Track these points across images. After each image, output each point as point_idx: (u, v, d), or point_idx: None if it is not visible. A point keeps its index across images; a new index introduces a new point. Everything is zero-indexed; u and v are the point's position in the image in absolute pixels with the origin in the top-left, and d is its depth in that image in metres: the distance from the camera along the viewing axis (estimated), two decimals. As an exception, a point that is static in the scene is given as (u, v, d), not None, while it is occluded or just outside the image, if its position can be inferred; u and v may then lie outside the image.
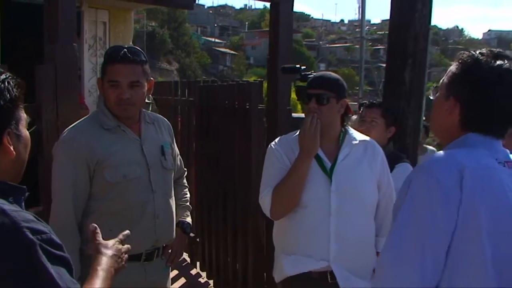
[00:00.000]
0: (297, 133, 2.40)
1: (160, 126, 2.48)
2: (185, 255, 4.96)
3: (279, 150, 2.40)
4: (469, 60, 1.53)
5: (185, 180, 2.75)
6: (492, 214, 1.37)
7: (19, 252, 1.18)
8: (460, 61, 1.57)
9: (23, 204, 1.37)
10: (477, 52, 1.54)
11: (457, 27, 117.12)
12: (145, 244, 2.33)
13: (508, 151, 1.54)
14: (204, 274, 4.81)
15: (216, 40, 65.82)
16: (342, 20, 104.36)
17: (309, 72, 2.61)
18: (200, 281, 4.74)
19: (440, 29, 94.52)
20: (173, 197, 2.49)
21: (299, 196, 2.27)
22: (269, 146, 2.47)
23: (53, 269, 1.19)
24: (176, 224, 2.51)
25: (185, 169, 2.78)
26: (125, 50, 2.22)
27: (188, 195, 2.73)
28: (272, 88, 3.48)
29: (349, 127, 2.47)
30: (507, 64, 1.49)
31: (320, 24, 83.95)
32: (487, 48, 1.57)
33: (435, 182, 1.38)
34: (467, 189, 1.36)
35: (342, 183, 2.30)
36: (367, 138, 2.47)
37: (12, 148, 1.31)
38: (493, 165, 1.45)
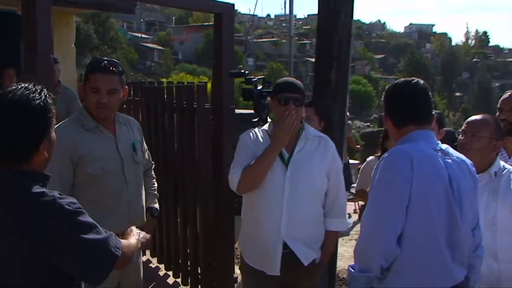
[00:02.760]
0: (262, 128, 2.92)
1: (131, 126, 2.92)
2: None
3: (248, 139, 2.90)
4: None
5: (153, 172, 3.19)
6: (433, 185, 2.10)
7: (64, 218, 1.61)
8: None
9: (47, 187, 1.79)
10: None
11: (380, 21, 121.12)
12: (121, 226, 2.74)
13: (439, 142, 2.30)
14: (154, 260, 5.18)
15: (143, 36, 64.85)
16: (268, 15, 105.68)
17: (253, 77, 3.12)
18: (151, 266, 5.10)
19: (364, 23, 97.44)
20: (143, 186, 2.93)
21: (262, 178, 2.78)
22: (240, 136, 2.96)
23: (93, 231, 1.67)
24: (146, 209, 2.95)
25: (153, 162, 3.22)
26: (106, 62, 2.65)
27: (156, 184, 3.18)
28: (217, 89, 3.92)
29: (306, 124, 2.98)
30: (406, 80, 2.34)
31: (247, 19, 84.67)
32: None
33: (396, 167, 2.11)
34: (416, 170, 2.07)
35: (295, 171, 2.81)
36: (321, 134, 2.99)
37: (45, 152, 1.72)
38: (431, 152, 2.20)
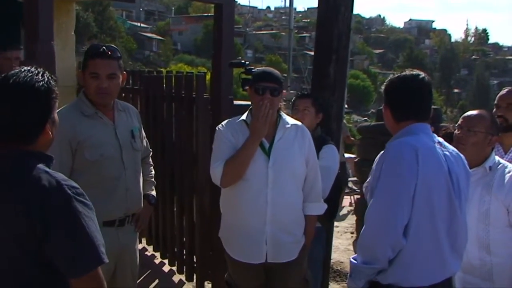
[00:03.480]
0: (241, 117, 2.92)
1: (130, 113, 2.94)
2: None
3: (227, 131, 2.89)
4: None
5: (150, 159, 3.21)
6: (436, 177, 2.16)
7: (64, 202, 1.64)
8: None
9: (51, 168, 1.82)
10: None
11: (380, 16, 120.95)
12: (119, 212, 2.79)
13: (436, 135, 2.34)
14: (150, 248, 5.22)
15: (142, 25, 64.56)
16: (268, 7, 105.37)
17: (253, 67, 3.13)
18: (147, 254, 5.14)
19: (363, 18, 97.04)
20: (141, 173, 2.95)
21: (245, 170, 2.78)
22: (217, 128, 2.94)
23: (91, 221, 1.67)
24: (143, 196, 2.97)
25: (151, 150, 3.24)
26: (104, 47, 2.67)
27: (153, 172, 3.21)
28: (216, 80, 3.95)
29: (283, 113, 2.99)
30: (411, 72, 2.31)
31: (247, 11, 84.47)
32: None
33: (402, 159, 2.14)
34: (421, 162, 2.11)
35: (277, 160, 2.83)
36: (298, 122, 3.00)
37: (50, 132, 1.74)
38: (433, 145, 2.24)
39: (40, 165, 1.69)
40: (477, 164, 2.73)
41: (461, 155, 2.35)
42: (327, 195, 3.32)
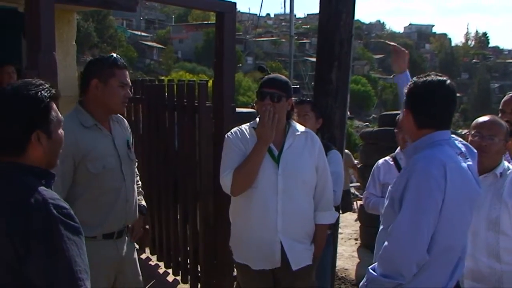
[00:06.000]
0: (249, 125, 2.90)
1: (122, 124, 2.95)
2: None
3: (236, 139, 2.87)
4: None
5: (136, 169, 3.20)
6: (461, 193, 2.11)
7: (46, 223, 1.55)
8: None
9: (52, 186, 1.77)
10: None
11: (379, 21, 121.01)
12: (118, 224, 2.77)
13: (457, 142, 2.27)
14: (154, 257, 5.20)
15: (142, 34, 64.80)
16: (268, 14, 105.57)
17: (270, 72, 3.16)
18: (150, 264, 5.13)
19: (363, 23, 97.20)
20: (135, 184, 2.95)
21: (255, 177, 2.75)
22: (226, 136, 2.92)
23: (74, 245, 1.56)
24: None
25: (137, 160, 3.22)
26: (120, 58, 2.72)
27: (140, 182, 3.19)
28: (218, 88, 3.93)
29: (292, 121, 2.97)
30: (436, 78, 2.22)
31: (247, 18, 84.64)
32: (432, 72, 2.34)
33: (431, 175, 2.06)
34: (448, 177, 2.06)
35: (287, 168, 2.80)
36: (307, 129, 2.99)
37: (40, 145, 1.68)
38: (458, 159, 2.18)
39: (31, 180, 1.63)
40: (487, 170, 2.69)
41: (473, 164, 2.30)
42: (339, 200, 3.30)
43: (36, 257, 1.53)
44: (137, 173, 3.19)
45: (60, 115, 1.78)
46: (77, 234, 1.62)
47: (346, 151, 5.50)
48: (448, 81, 2.20)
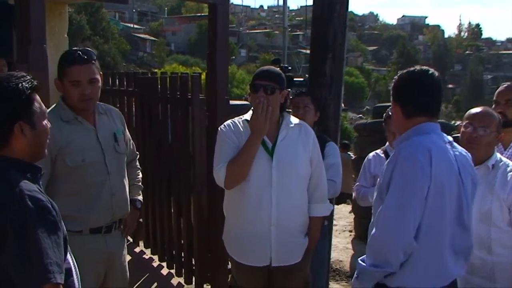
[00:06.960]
0: (243, 117, 2.87)
1: (112, 116, 2.87)
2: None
3: (229, 132, 2.84)
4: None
5: (137, 163, 3.16)
6: (447, 180, 2.11)
7: (21, 214, 1.56)
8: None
9: (39, 180, 1.76)
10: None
11: (372, 13, 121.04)
12: (105, 219, 2.73)
13: (445, 134, 2.28)
14: (148, 251, 5.18)
15: (135, 26, 64.42)
16: (261, 6, 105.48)
17: (287, 65, 3.14)
18: (144, 258, 5.11)
19: (356, 15, 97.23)
20: (126, 177, 2.90)
21: (248, 170, 2.73)
22: (220, 128, 2.90)
23: (47, 238, 1.57)
24: (129, 201, 2.92)
25: (137, 152, 3.18)
26: (79, 52, 2.59)
27: (140, 175, 3.15)
28: (212, 80, 3.91)
29: (286, 113, 2.95)
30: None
31: (240, 10, 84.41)
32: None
33: (416, 161, 2.06)
34: (434, 163, 2.06)
35: (281, 160, 2.78)
36: (301, 122, 2.96)
37: (24, 136, 1.68)
38: (444, 146, 2.20)
39: (13, 173, 1.63)
40: (480, 162, 2.69)
41: (468, 154, 2.31)
42: (339, 191, 3.30)
43: (9, 248, 1.55)
44: (138, 166, 3.16)
45: (43, 106, 1.77)
46: (53, 227, 1.63)
47: (350, 154, 5.51)
48: (431, 71, 2.25)
